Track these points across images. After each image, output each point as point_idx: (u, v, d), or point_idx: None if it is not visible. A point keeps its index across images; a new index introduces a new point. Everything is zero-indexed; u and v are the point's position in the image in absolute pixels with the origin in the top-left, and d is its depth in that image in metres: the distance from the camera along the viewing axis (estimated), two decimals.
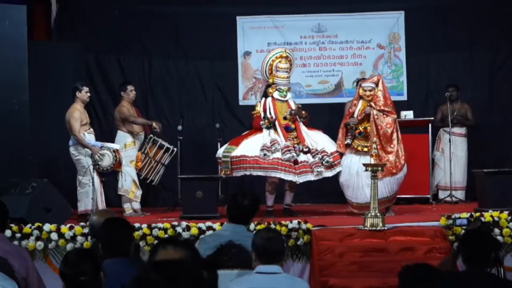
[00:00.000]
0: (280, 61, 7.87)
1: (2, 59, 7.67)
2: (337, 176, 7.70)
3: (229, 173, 7.71)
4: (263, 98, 7.93)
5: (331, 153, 7.62)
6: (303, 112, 7.83)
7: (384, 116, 7.44)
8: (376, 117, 7.40)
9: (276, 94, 7.81)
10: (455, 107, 9.14)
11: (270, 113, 7.73)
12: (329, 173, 7.65)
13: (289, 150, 7.45)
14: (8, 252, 4.00)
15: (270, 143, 7.53)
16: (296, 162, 7.52)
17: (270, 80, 7.91)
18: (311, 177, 7.56)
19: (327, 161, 7.54)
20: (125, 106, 8.37)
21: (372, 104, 7.47)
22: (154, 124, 8.41)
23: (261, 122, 7.74)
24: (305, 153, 7.59)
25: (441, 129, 9.43)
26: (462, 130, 9.40)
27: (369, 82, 7.65)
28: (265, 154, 7.46)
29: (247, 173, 7.62)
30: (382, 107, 7.45)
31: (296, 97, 9.74)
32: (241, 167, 7.58)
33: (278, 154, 7.49)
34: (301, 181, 7.57)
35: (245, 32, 10.36)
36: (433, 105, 9.69)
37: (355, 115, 7.60)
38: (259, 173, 7.58)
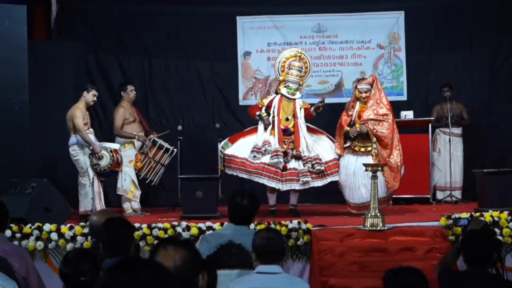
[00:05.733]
0: (294, 59, 7.88)
1: (2, 59, 7.66)
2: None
3: (223, 169, 7.77)
4: (274, 95, 7.93)
5: (327, 162, 7.54)
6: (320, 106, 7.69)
7: (381, 124, 7.41)
8: (374, 131, 7.37)
9: (284, 91, 7.76)
10: (450, 107, 9.13)
11: (273, 112, 7.71)
12: (319, 183, 7.57)
13: (277, 155, 7.43)
14: (8, 252, 4.00)
15: (262, 144, 7.53)
16: (285, 168, 7.50)
17: (281, 78, 7.91)
18: (296, 186, 7.52)
19: (318, 169, 7.47)
20: (123, 108, 8.34)
21: (364, 115, 7.40)
22: (137, 137, 8.33)
23: (256, 113, 7.74)
24: (297, 159, 7.56)
25: (437, 130, 9.44)
26: (458, 130, 9.41)
27: (364, 84, 7.63)
28: (254, 156, 7.47)
29: (235, 173, 7.66)
30: (375, 116, 7.39)
31: None
32: (230, 166, 7.63)
33: (266, 158, 7.48)
34: (285, 188, 7.55)
35: (245, 32, 10.36)
36: (433, 105, 9.69)
37: (353, 117, 7.57)
38: (244, 176, 7.61)
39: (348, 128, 7.50)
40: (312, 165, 7.48)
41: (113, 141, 8.29)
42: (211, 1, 10.29)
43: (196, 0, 10.29)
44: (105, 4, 10.19)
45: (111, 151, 7.65)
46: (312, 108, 7.72)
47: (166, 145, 8.38)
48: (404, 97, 10.19)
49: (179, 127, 8.97)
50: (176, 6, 10.20)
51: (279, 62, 7.95)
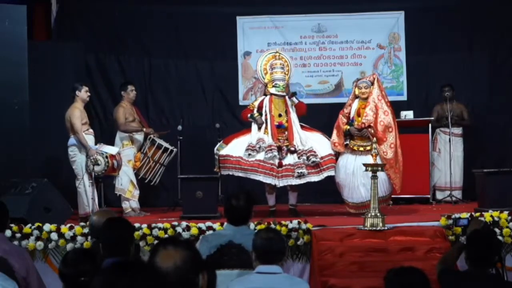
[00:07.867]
0: (274, 59, 7.96)
1: (2, 59, 7.67)
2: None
3: (218, 171, 7.76)
4: (263, 96, 7.95)
5: (322, 157, 7.52)
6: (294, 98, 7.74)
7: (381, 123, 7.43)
8: (379, 134, 7.37)
9: (273, 90, 7.78)
10: (451, 107, 9.13)
11: (265, 112, 7.71)
12: (315, 178, 7.54)
13: (271, 150, 7.43)
14: (8, 252, 4.00)
15: (256, 141, 7.53)
16: (280, 165, 7.49)
17: (266, 80, 7.93)
18: (292, 181, 7.51)
19: (313, 161, 7.46)
20: (123, 107, 8.33)
21: (368, 114, 7.40)
22: (145, 129, 8.38)
23: (248, 115, 7.75)
24: (292, 153, 7.55)
25: (437, 130, 9.44)
26: (458, 130, 9.40)
27: (364, 79, 7.68)
28: (249, 154, 7.47)
29: (230, 173, 7.65)
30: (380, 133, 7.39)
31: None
32: (225, 166, 7.62)
33: (261, 155, 7.49)
34: (281, 184, 7.54)
35: (245, 32, 10.36)
36: (433, 105, 9.69)
37: (351, 115, 7.58)
38: (240, 174, 7.60)
39: (348, 127, 7.51)
40: (307, 157, 7.47)
41: (113, 141, 8.29)
42: (211, 1, 10.29)
43: (196, 0, 10.29)
44: (105, 4, 10.19)
45: (106, 156, 7.61)
46: (287, 96, 7.75)
47: (165, 144, 8.38)
48: (404, 97, 10.20)
49: (179, 127, 8.97)
50: (176, 6, 10.21)
51: (260, 66, 8.03)
